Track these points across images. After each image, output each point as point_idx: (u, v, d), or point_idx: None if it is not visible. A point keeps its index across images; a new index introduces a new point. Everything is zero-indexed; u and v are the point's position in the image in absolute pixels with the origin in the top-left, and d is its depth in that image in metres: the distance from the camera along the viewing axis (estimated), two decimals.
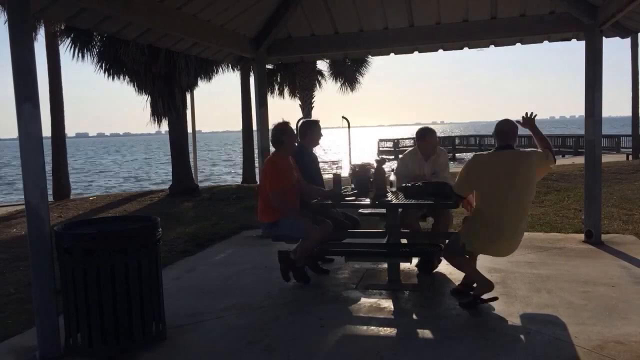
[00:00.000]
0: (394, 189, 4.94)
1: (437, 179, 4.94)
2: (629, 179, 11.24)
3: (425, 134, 5.08)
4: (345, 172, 10.33)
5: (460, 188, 4.08)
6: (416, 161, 5.15)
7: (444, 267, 5.03)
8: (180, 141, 13.26)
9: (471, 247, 4.01)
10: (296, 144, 5.05)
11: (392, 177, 4.95)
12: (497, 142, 4.00)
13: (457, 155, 38.53)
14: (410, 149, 5.44)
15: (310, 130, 5.33)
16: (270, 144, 4.95)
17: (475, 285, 4.11)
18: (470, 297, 4.04)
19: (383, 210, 4.72)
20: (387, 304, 4.24)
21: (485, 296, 3.99)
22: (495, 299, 4.02)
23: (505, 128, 3.99)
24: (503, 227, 3.84)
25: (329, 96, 28.03)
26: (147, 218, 3.70)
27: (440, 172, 5.12)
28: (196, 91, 14.32)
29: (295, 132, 4.98)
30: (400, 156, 5.85)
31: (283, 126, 4.82)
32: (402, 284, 4.71)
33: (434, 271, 5.02)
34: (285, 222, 4.63)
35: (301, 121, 5.74)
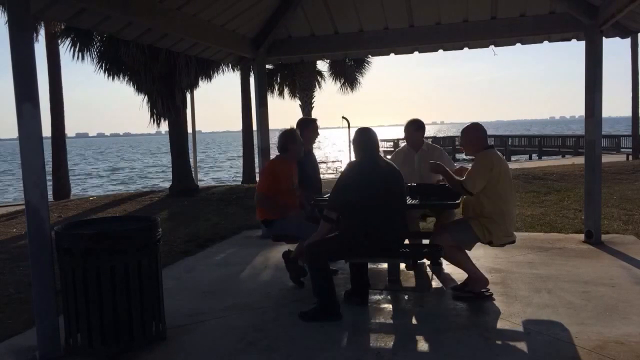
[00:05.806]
0: None
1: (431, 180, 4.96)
2: (629, 179, 11.24)
3: (406, 126, 5.32)
4: None
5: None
6: (406, 154, 5.34)
7: (445, 266, 5.04)
8: (180, 141, 13.27)
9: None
10: (302, 151, 4.93)
11: None
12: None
13: (457, 155, 38.50)
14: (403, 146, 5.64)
15: (307, 128, 5.30)
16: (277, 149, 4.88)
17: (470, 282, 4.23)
18: (470, 293, 4.17)
19: None
20: (387, 304, 4.25)
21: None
22: (490, 295, 4.16)
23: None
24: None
25: (329, 96, 28.01)
26: (147, 218, 3.70)
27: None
28: (196, 91, 14.32)
29: (301, 139, 4.89)
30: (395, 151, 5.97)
31: (290, 133, 4.80)
32: (401, 284, 4.71)
33: (432, 272, 5.03)
34: (282, 222, 4.64)
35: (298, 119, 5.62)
